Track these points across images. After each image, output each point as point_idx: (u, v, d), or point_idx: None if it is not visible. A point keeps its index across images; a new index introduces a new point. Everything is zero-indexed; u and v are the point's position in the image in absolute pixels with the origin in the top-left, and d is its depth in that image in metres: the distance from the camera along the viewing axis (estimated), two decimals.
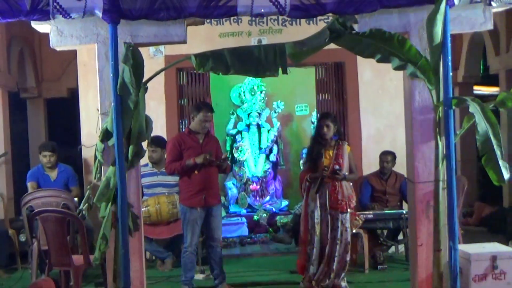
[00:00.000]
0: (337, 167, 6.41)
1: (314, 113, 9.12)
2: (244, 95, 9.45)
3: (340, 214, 6.45)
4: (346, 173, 6.54)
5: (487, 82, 11.42)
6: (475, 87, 11.49)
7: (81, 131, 8.80)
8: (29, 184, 7.99)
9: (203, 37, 8.01)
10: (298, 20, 6.74)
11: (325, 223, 6.47)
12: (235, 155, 9.06)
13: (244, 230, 8.84)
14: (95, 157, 5.53)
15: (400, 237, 8.00)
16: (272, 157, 9.34)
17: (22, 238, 8.04)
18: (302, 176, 7.07)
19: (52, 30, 5.38)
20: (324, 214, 6.48)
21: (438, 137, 5.22)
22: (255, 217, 9.02)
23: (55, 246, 6.27)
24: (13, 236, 8.22)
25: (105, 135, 5.29)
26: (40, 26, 5.51)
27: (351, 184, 6.73)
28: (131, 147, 5.24)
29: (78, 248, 6.55)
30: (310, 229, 6.54)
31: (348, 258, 6.55)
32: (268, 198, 9.19)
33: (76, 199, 7.19)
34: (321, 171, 6.42)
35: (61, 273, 6.45)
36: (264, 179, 9.16)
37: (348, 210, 6.53)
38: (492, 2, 5.13)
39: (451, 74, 5.21)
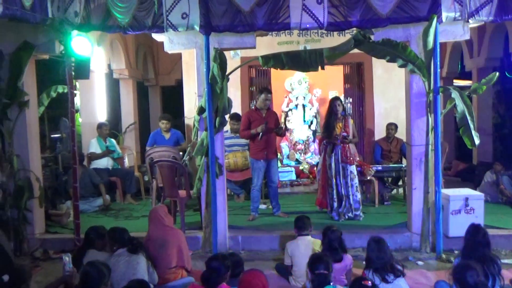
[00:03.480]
0: (345, 134, 6.97)
1: (342, 97, 9.51)
2: (294, 84, 10.06)
3: (349, 166, 6.98)
4: (351, 137, 7.08)
5: (463, 77, 12.14)
6: (455, 81, 12.07)
7: (184, 107, 9.60)
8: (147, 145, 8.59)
9: (266, 44, 8.57)
10: (332, 32, 7.01)
11: (338, 172, 6.99)
12: (287, 125, 9.49)
13: (292, 176, 9.47)
14: (194, 125, 6.45)
15: (400, 183, 8.40)
16: (312, 127, 9.94)
17: (146, 178, 9.03)
18: (320, 140, 7.62)
19: (166, 39, 6.23)
20: (338, 166, 6.99)
21: (429, 114, 5.97)
22: (300, 167, 9.63)
23: (167, 184, 6.99)
24: (139, 177, 9.22)
25: (200, 110, 6.18)
26: (158, 36, 6.38)
27: (354, 146, 7.17)
28: (217, 119, 6.10)
29: (182, 186, 7.09)
30: (329, 178, 7.03)
31: (360, 196, 7.10)
32: (309, 154, 9.78)
33: (181, 152, 7.83)
34: (334, 138, 6.96)
35: (171, 202, 7.05)
36: (306, 142, 9.81)
37: (354, 163, 7.04)
38: (469, 20, 5.79)
39: (438, 70, 5.97)
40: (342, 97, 8.61)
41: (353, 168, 7.08)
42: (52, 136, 9.71)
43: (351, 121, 7.22)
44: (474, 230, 4.40)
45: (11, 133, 6.39)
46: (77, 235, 6.31)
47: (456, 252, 5.84)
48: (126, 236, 4.67)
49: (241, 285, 3.43)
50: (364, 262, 4.51)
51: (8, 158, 6.37)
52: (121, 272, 4.29)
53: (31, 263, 6.06)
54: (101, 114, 10.04)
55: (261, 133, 7.05)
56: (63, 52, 6.32)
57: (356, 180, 7.13)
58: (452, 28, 6.00)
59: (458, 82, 12.04)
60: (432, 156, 6.06)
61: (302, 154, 9.87)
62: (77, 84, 6.41)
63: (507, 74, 11.25)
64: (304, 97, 9.97)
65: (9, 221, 6.27)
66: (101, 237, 4.83)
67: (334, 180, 7.05)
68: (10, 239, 6.08)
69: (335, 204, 7.07)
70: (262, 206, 7.66)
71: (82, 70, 6.45)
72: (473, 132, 5.88)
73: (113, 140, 9.42)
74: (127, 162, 9.90)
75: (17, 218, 6.36)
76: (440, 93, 6.02)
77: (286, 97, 10.29)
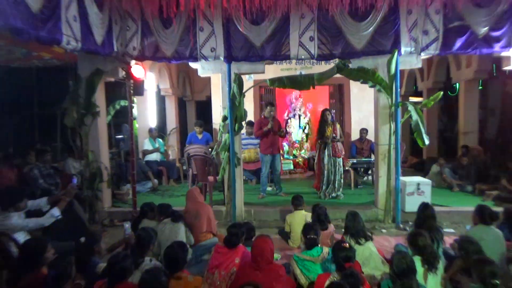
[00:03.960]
0: (334, 135, 6.91)
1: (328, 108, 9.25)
2: (292, 99, 9.89)
3: (337, 159, 6.94)
4: (339, 138, 6.99)
5: (416, 95, 12.05)
6: (410, 97, 12.03)
7: (212, 116, 9.50)
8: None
9: (272, 70, 8.34)
10: (320, 61, 6.94)
11: (329, 163, 6.95)
12: (288, 129, 9.50)
13: (291, 166, 9.39)
14: (219, 129, 6.46)
15: (370, 172, 8.28)
16: (306, 131, 9.68)
17: (184, 167, 8.92)
18: (315, 140, 7.53)
19: (199, 66, 6.25)
20: (329, 159, 6.95)
21: (391, 122, 5.96)
22: (296, 160, 9.52)
23: (200, 172, 7.11)
24: (179, 167, 9.20)
25: (224, 118, 6.21)
26: (193, 64, 6.41)
27: (341, 143, 7.09)
28: (236, 125, 6.14)
29: (210, 173, 7.08)
30: (322, 167, 6.97)
31: (342, 181, 7.07)
32: (303, 151, 9.66)
33: (210, 149, 7.71)
34: (326, 138, 6.90)
35: (203, 185, 7.08)
36: (301, 142, 9.65)
37: (341, 156, 6.99)
38: (421, 53, 5.81)
39: (398, 90, 5.97)
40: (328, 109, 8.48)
41: (340, 161, 7.04)
42: (116, 137, 9.79)
43: (338, 126, 7.15)
44: (424, 207, 4.39)
45: (87, 135, 6.43)
46: (134, 208, 6.36)
47: (410, 223, 5.82)
48: (170, 210, 4.70)
49: (253, 249, 3.38)
50: (343, 230, 4.49)
51: (85, 153, 6.42)
52: (166, 235, 4.31)
53: (101, 228, 6.13)
54: (152, 121, 10.09)
55: (270, 128, 7.04)
56: (124, 76, 6.38)
57: (341, 170, 7.09)
58: (408, 59, 5.98)
59: (412, 99, 11.96)
60: (393, 153, 6.04)
61: (298, 151, 9.76)
62: (135, 99, 6.44)
63: (448, 93, 11.21)
64: (300, 109, 9.85)
65: (85, 198, 6.31)
66: (151, 210, 4.85)
67: (326, 169, 7.00)
68: (86, 211, 6.12)
69: (324, 187, 7.04)
70: (269, 188, 7.65)
71: (138, 89, 6.49)
72: (424, 135, 5.87)
73: (160, 140, 9.42)
74: (171, 156, 9.90)
75: (91, 196, 6.40)
76: (400, 107, 5.99)
77: (287, 109, 10.20)
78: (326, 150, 7.01)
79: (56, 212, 4.06)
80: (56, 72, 8.60)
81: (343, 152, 7.13)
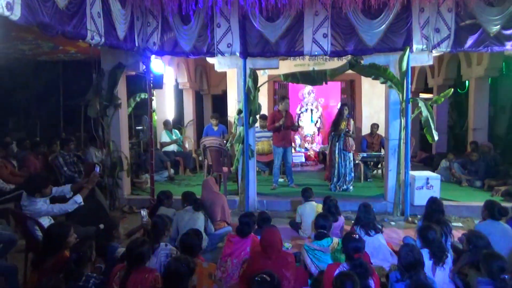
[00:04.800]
0: (347, 129, 6.83)
1: (339, 104, 9.22)
2: (305, 94, 9.86)
3: (348, 153, 6.85)
4: (351, 133, 6.89)
5: (426, 91, 11.83)
6: (420, 94, 11.69)
7: (227, 109, 9.42)
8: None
9: (287, 66, 8.41)
10: (333, 58, 6.75)
11: (340, 157, 6.89)
12: (300, 123, 9.46)
13: (302, 159, 9.29)
14: (234, 122, 6.47)
15: (379, 166, 8.17)
16: (317, 125, 9.72)
17: (200, 158, 8.88)
18: (328, 133, 7.52)
19: (216, 61, 6.18)
20: (340, 152, 6.88)
21: (401, 117, 5.83)
22: (308, 153, 9.48)
23: (215, 163, 7.11)
24: (196, 157, 9.26)
25: (239, 112, 6.17)
26: (210, 59, 6.30)
27: (353, 138, 6.97)
28: (251, 118, 6.11)
29: (225, 164, 7.06)
30: (333, 160, 6.94)
31: (352, 174, 7.00)
32: (314, 144, 9.59)
33: (225, 141, 7.72)
34: (340, 131, 6.83)
35: (217, 175, 7.02)
36: (312, 135, 9.61)
37: (351, 151, 6.90)
38: (433, 51, 5.68)
39: (409, 86, 5.83)
40: (339, 105, 8.42)
41: (350, 155, 6.95)
42: (136, 128, 9.83)
43: (352, 122, 7.06)
44: (433, 201, 4.31)
45: (108, 126, 6.49)
46: (152, 196, 6.38)
47: (419, 216, 5.70)
48: (193, 197, 4.67)
49: (262, 240, 3.31)
50: (352, 222, 4.45)
51: (106, 143, 6.48)
52: (185, 222, 4.32)
53: (120, 215, 6.19)
54: (170, 114, 10.10)
55: (282, 124, 7.00)
56: (144, 70, 6.40)
57: (351, 164, 7.00)
58: (420, 56, 5.83)
59: (423, 95, 11.70)
60: (403, 148, 5.92)
61: (309, 144, 9.71)
62: (154, 92, 6.47)
63: (458, 90, 10.93)
64: (312, 104, 9.81)
65: (106, 186, 6.39)
66: (167, 198, 4.84)
67: (336, 162, 6.94)
68: (107, 198, 6.18)
69: (335, 179, 6.98)
70: (281, 180, 7.61)
71: (158, 83, 6.52)
72: (433, 131, 5.78)
73: (177, 131, 9.42)
74: (187, 147, 9.90)
75: (112, 184, 6.47)
76: (410, 103, 5.86)
77: (299, 103, 10.11)
78: (337, 144, 6.93)
79: (79, 199, 4.10)
80: (80, 66, 8.69)
81: (354, 147, 7.05)
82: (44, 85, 12.06)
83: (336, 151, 6.97)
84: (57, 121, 12.19)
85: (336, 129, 6.95)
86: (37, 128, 12.01)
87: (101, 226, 3.76)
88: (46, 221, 3.93)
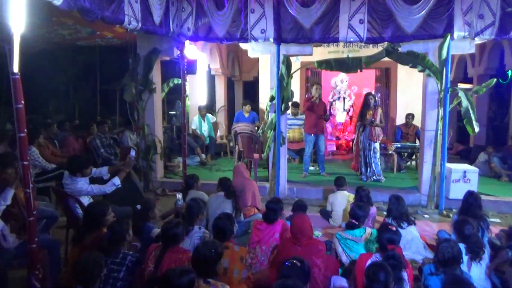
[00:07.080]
0: (373, 119, 6.67)
1: (373, 92, 8.79)
2: (337, 82, 9.65)
3: (373, 143, 6.70)
4: (378, 122, 6.69)
5: (466, 81, 11.31)
6: (459, 84, 11.37)
7: (259, 96, 9.38)
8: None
9: (320, 52, 8.01)
10: (368, 44, 6.71)
11: (364, 146, 6.77)
12: (332, 111, 9.33)
13: (334, 147, 9.26)
14: (266, 109, 6.45)
15: (413, 157, 8.06)
16: (349, 114, 9.54)
17: (231, 144, 8.95)
18: (355, 122, 7.42)
19: (249, 47, 6.18)
20: (365, 142, 6.76)
21: (439, 107, 5.66)
22: (340, 142, 9.40)
23: (246, 149, 7.16)
24: (226, 143, 9.47)
25: (271, 98, 6.16)
26: (243, 45, 6.35)
27: (381, 129, 6.79)
28: (283, 105, 6.08)
29: (256, 150, 7.04)
30: (360, 150, 6.82)
31: (379, 165, 6.81)
32: (346, 133, 9.45)
33: (256, 127, 7.82)
34: (365, 121, 6.73)
35: (248, 161, 7.12)
36: (344, 124, 9.48)
37: (377, 141, 6.71)
38: (475, 38, 5.40)
39: (449, 75, 5.65)
40: (373, 93, 8.21)
41: (376, 145, 6.79)
42: (170, 112, 9.98)
43: (379, 111, 6.85)
44: (470, 195, 4.16)
45: (143, 110, 6.63)
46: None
47: (454, 210, 5.56)
48: (228, 183, 4.64)
49: (292, 227, 3.29)
50: (384, 213, 4.37)
51: (141, 126, 6.62)
52: (214, 208, 4.35)
53: (154, 197, 6.31)
54: (202, 99, 10.16)
55: (316, 98, 6.97)
56: (179, 55, 6.45)
57: (378, 154, 6.83)
58: (461, 43, 5.57)
59: (461, 85, 11.21)
60: (440, 139, 5.75)
61: (341, 132, 9.57)
62: (187, 78, 6.53)
63: (500, 81, 10.37)
64: (344, 92, 9.62)
65: (141, 168, 6.55)
66: (195, 182, 4.82)
67: (362, 152, 6.84)
68: (141, 180, 6.34)
69: (363, 169, 6.88)
70: (311, 168, 7.55)
71: (191, 68, 6.59)
72: (474, 122, 5.54)
73: (209, 116, 9.42)
74: (218, 133, 9.96)
75: (146, 167, 6.63)
76: (449, 93, 5.63)
77: (331, 91, 9.93)
78: (363, 133, 6.82)
79: (117, 181, 4.24)
80: (116, 51, 8.86)
81: (381, 137, 6.87)
82: (82, 70, 12.41)
83: (363, 141, 6.86)
84: (94, 104, 12.56)
85: (362, 118, 6.86)
86: (75, 111, 12.44)
87: (138, 206, 3.85)
88: (85, 200, 4.09)
